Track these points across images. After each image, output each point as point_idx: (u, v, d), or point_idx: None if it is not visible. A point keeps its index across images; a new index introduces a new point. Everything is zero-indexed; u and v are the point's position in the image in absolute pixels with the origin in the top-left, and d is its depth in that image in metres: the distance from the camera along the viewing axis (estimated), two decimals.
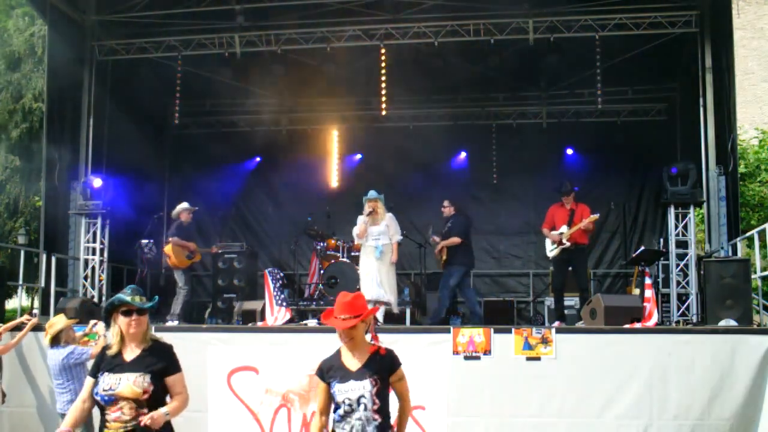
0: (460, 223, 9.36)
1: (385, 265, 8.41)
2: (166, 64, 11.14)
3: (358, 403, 3.56)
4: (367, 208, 8.52)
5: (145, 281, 11.31)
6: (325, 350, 3.83)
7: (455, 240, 9.12)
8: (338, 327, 3.65)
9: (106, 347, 3.97)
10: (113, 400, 3.73)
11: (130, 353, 3.88)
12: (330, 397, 3.68)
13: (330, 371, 3.68)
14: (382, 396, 3.61)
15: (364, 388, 3.57)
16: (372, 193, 8.64)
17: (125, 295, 3.87)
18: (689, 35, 10.04)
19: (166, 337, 6.94)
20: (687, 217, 9.15)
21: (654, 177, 11.64)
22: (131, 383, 3.74)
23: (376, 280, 8.30)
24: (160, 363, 3.89)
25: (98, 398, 3.78)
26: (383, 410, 3.61)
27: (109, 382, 3.76)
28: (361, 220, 8.58)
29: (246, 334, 7.51)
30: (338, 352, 3.75)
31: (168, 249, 9.54)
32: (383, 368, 3.66)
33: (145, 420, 3.67)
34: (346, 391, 3.57)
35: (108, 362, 3.87)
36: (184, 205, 9.77)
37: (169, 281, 13.17)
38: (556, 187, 9.12)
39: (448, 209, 9.51)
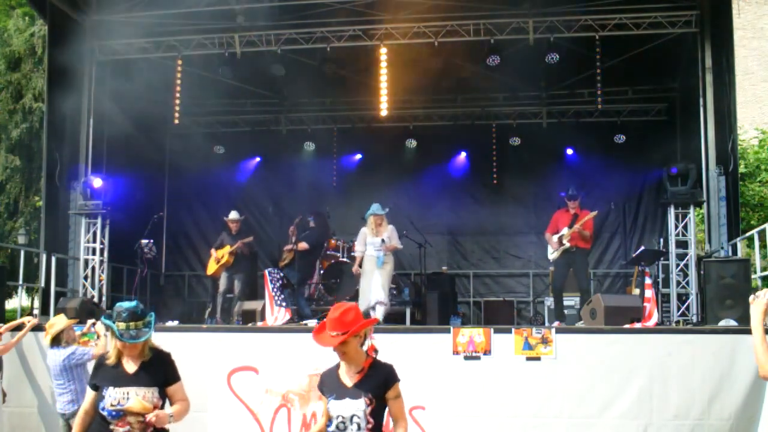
0: (315, 233, 10.05)
1: (386, 272, 8.64)
2: (166, 64, 11.14)
3: (351, 422, 3.49)
4: (373, 222, 8.79)
5: (145, 281, 11.32)
6: (324, 350, 3.81)
7: (302, 245, 9.80)
8: (326, 344, 3.56)
9: (104, 357, 3.91)
10: (121, 415, 3.71)
11: (132, 365, 3.84)
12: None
13: (328, 385, 3.63)
14: (376, 414, 3.53)
15: (357, 407, 3.49)
16: (376, 208, 8.84)
17: (120, 323, 3.76)
18: (689, 35, 10.04)
19: (166, 337, 6.95)
20: (687, 217, 9.15)
21: (654, 177, 11.65)
22: (141, 398, 3.72)
23: (379, 283, 8.52)
24: (163, 374, 3.89)
25: (105, 413, 3.73)
26: (377, 428, 3.53)
27: (116, 396, 3.73)
28: (363, 233, 8.86)
29: (246, 334, 7.51)
30: (338, 365, 3.67)
31: None
32: (379, 385, 3.55)
33: (150, 417, 3.69)
34: (340, 408, 3.51)
35: (110, 374, 3.81)
36: (230, 216, 10.20)
37: (168, 282, 13.23)
38: (563, 192, 9.13)
39: (311, 223, 10.30)
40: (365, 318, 3.68)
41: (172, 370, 3.95)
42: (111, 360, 3.83)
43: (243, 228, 10.35)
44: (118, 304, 3.90)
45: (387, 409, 3.60)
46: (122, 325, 3.74)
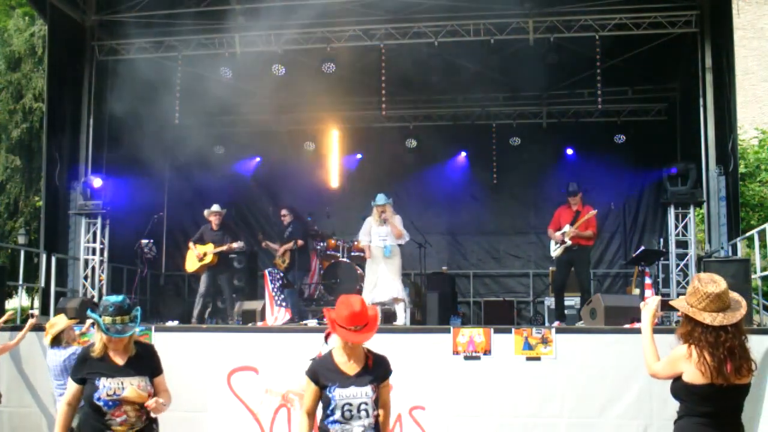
0: (300, 227, 9.91)
1: (395, 264, 8.40)
2: (166, 64, 11.14)
3: (359, 410, 3.51)
4: (377, 212, 8.50)
5: (145, 281, 11.32)
6: (325, 350, 3.82)
7: (300, 242, 9.68)
8: (355, 341, 3.57)
9: (88, 350, 3.91)
10: (117, 404, 3.76)
11: (120, 357, 3.87)
12: (318, 400, 3.62)
13: (325, 375, 3.61)
14: (377, 402, 3.61)
15: (366, 395, 3.53)
16: (380, 198, 8.58)
17: (106, 318, 3.79)
18: (689, 35, 10.05)
19: (166, 338, 6.97)
20: (687, 217, 9.15)
21: (654, 177, 11.65)
22: (136, 387, 3.78)
23: (389, 278, 8.29)
24: (151, 365, 3.96)
25: (100, 403, 3.75)
26: (377, 416, 3.61)
27: (111, 386, 3.76)
28: (368, 222, 8.61)
29: (246, 334, 7.51)
30: (330, 355, 3.68)
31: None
32: (379, 375, 3.63)
33: (150, 403, 3.76)
34: (348, 396, 3.52)
35: (99, 366, 3.82)
36: (212, 208, 9.64)
37: (168, 281, 13.22)
38: (564, 188, 9.09)
39: (287, 217, 9.99)
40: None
41: (157, 362, 4.02)
42: (97, 353, 3.84)
43: (224, 222, 9.77)
44: (105, 298, 3.95)
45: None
46: (108, 319, 3.77)
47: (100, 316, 3.79)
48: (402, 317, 8.29)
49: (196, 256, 9.41)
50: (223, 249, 9.40)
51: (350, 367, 3.59)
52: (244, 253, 11.17)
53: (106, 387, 3.76)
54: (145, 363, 3.90)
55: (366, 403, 3.51)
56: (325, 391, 3.56)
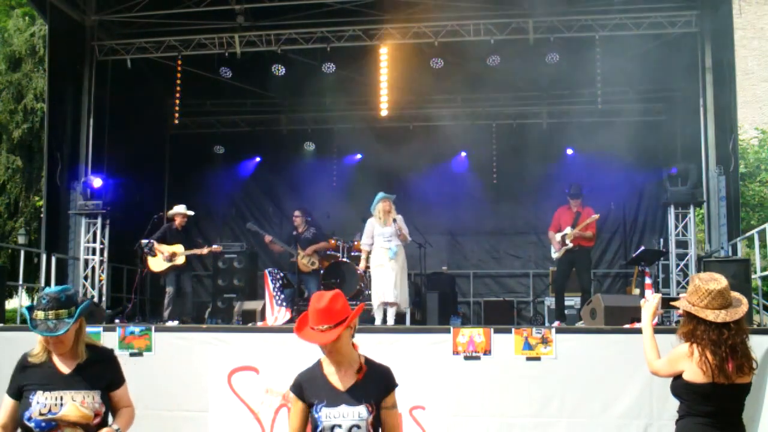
0: (321, 228, 9.91)
1: (399, 265, 8.12)
2: (166, 64, 11.14)
3: None
4: (382, 210, 8.23)
5: (145, 281, 11.32)
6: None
7: (332, 242, 9.62)
8: (318, 342, 2.94)
9: (26, 356, 3.16)
10: (53, 426, 2.97)
11: (66, 364, 3.10)
12: (306, 420, 3.05)
13: (312, 389, 3.04)
14: (377, 423, 2.98)
15: (359, 415, 2.91)
16: (382, 194, 8.39)
17: (38, 312, 3.01)
18: (689, 35, 10.05)
19: (166, 338, 6.92)
20: (687, 217, 9.16)
21: (654, 177, 11.65)
22: (78, 404, 3.02)
23: (393, 282, 8.01)
24: (106, 376, 3.19)
25: (31, 424, 2.98)
26: None
27: (45, 402, 3.00)
28: (371, 224, 8.35)
29: (246, 334, 7.50)
30: (319, 365, 3.09)
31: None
32: (379, 389, 3.00)
33: None
34: (337, 417, 2.93)
35: (36, 376, 3.07)
36: (180, 208, 9.34)
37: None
38: (567, 188, 9.08)
39: (301, 218, 9.84)
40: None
41: (117, 371, 3.26)
42: (36, 357, 3.10)
43: (187, 226, 9.42)
44: (45, 289, 3.33)
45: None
46: (40, 314, 2.99)
47: (33, 310, 3.04)
48: (379, 319, 8.06)
49: (164, 257, 9.07)
50: (195, 252, 9.16)
51: (341, 380, 3.00)
52: (245, 252, 11.18)
53: (40, 403, 2.99)
54: (98, 373, 3.13)
55: (359, 427, 2.90)
56: (312, 411, 3.00)
